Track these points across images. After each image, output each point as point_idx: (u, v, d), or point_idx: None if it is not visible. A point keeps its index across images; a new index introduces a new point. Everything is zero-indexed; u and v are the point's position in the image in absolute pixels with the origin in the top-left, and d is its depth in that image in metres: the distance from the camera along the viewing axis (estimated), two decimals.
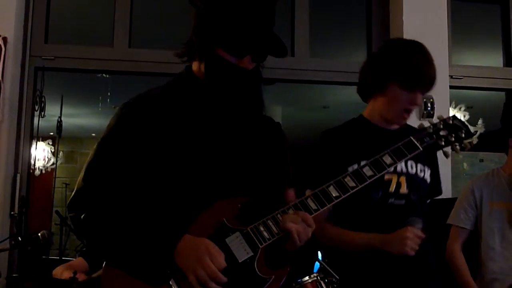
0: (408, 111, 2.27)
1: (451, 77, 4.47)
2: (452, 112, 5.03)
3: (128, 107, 1.62)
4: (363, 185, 1.66)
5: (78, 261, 3.13)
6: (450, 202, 3.27)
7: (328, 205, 1.61)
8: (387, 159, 1.72)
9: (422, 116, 4.20)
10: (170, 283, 1.45)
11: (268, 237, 1.53)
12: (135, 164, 1.54)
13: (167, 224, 1.50)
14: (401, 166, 2.29)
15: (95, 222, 1.52)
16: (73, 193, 1.58)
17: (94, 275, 2.84)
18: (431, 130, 1.84)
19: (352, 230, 2.23)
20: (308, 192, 2.31)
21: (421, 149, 1.77)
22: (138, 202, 1.53)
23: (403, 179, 2.27)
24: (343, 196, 1.63)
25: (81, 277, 2.84)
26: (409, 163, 2.31)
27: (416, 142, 1.77)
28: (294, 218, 1.53)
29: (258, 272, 1.49)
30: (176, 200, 1.53)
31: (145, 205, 1.53)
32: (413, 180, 2.31)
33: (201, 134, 1.59)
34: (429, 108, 4.19)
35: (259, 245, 1.52)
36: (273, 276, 1.48)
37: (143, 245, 1.47)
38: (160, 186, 1.53)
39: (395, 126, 2.40)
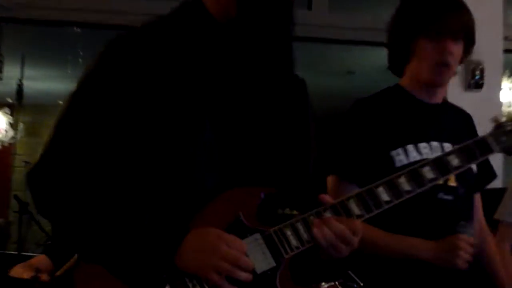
0: (443, 65, 2.31)
1: (506, 38, 4.45)
2: (506, 82, 4.97)
3: (112, 46, 1.51)
4: (420, 190, 1.63)
5: (41, 259, 3.15)
6: (499, 193, 3.25)
7: (375, 211, 1.55)
8: (454, 161, 1.69)
9: (468, 87, 4.20)
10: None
11: (296, 245, 1.49)
12: (122, 126, 1.46)
13: (165, 215, 1.45)
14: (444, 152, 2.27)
15: (67, 201, 1.45)
16: (38, 160, 1.50)
17: (59, 273, 2.84)
18: (509, 127, 1.81)
19: (387, 229, 2.24)
20: (332, 181, 2.30)
21: (496, 152, 1.76)
22: (125, 179, 1.47)
23: None
24: (395, 202, 1.60)
25: (43, 277, 2.87)
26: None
27: (490, 143, 1.75)
28: (333, 225, 1.48)
29: None
30: (176, 181, 1.47)
31: (135, 184, 1.47)
32: (462, 172, 2.30)
33: (211, 93, 1.51)
34: (477, 77, 4.20)
35: (284, 254, 1.47)
36: None
37: (132, 241, 1.42)
38: (155, 161, 1.45)
39: (437, 99, 2.43)
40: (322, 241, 1.45)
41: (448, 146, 2.30)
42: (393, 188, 1.59)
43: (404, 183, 1.60)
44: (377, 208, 1.56)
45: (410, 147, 2.25)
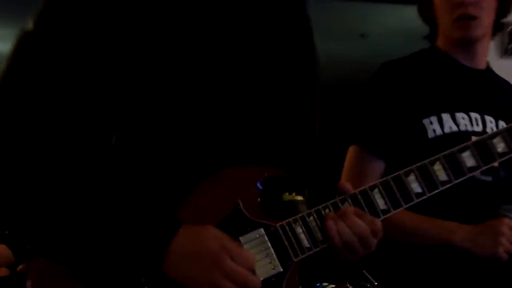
0: (465, 17, 2.23)
1: None
2: None
3: None
4: (458, 180, 1.51)
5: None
6: None
7: (404, 206, 1.45)
8: (499, 145, 1.58)
9: (505, 53, 4.11)
10: None
11: (308, 246, 1.36)
12: (90, 79, 1.29)
13: (143, 199, 1.29)
14: (491, 126, 2.24)
15: (17, 179, 1.26)
16: None
17: (21, 267, 2.77)
18: None
19: (415, 211, 2.11)
20: (353, 152, 2.21)
21: None
22: (95, 151, 1.30)
23: None
24: (428, 195, 1.48)
25: (2, 271, 2.77)
26: (500, 123, 2.27)
27: None
28: (352, 222, 1.36)
29: None
30: (159, 155, 1.31)
31: (103, 163, 1.31)
32: None
33: (205, 40, 1.37)
34: None
35: (293, 257, 1.34)
36: None
37: (101, 233, 1.24)
38: (132, 129, 1.31)
39: (480, 64, 2.33)
40: (336, 239, 1.35)
41: (490, 120, 2.24)
42: (426, 177, 1.48)
43: (439, 171, 1.49)
44: (406, 202, 1.45)
45: (445, 116, 2.17)
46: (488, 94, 2.30)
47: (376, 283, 2.73)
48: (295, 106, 1.48)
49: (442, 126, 2.15)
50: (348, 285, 2.71)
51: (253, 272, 1.26)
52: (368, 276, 2.56)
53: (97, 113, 1.30)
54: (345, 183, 1.43)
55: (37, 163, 1.27)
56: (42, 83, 1.29)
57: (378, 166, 2.18)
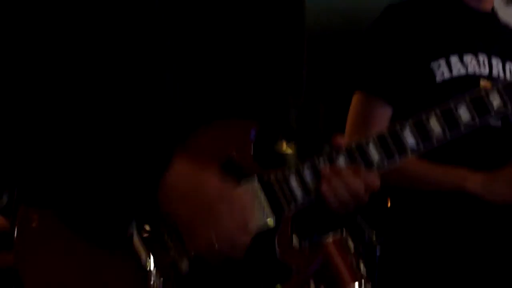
0: None
1: None
2: None
3: None
4: (452, 132, 1.48)
5: None
6: None
7: (398, 160, 1.42)
8: (495, 99, 1.53)
9: (510, 1, 4.02)
10: (134, 245, 1.27)
11: (301, 198, 1.36)
12: (76, 32, 1.31)
13: (138, 139, 1.29)
14: (498, 69, 2.22)
15: (5, 124, 1.28)
16: None
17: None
18: None
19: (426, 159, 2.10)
20: (358, 99, 2.18)
21: None
22: (79, 102, 1.30)
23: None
24: (422, 147, 1.45)
25: None
26: (508, 64, 2.25)
27: None
28: (346, 179, 1.34)
29: (279, 252, 1.34)
30: (147, 105, 1.32)
31: (94, 104, 1.31)
32: None
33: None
34: None
35: (286, 208, 1.35)
36: (301, 263, 1.34)
37: (95, 168, 1.25)
38: (119, 76, 1.32)
39: (487, 7, 2.31)
40: (331, 197, 1.34)
41: (497, 62, 2.22)
42: (420, 129, 1.44)
43: (434, 123, 1.46)
44: (400, 154, 1.41)
45: (453, 59, 2.14)
46: (495, 35, 2.27)
47: (374, 231, 2.72)
48: (281, 60, 1.48)
49: (450, 69, 2.11)
50: (344, 233, 2.68)
51: (246, 229, 1.27)
52: (366, 224, 2.53)
53: (88, 52, 1.31)
54: (339, 138, 1.40)
55: (27, 105, 1.28)
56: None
57: (386, 112, 2.15)
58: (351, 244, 2.67)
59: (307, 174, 1.36)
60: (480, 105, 1.51)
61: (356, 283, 2.72)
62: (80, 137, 1.26)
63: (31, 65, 1.30)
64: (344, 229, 2.74)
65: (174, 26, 1.36)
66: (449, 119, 1.47)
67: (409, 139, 1.42)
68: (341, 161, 1.37)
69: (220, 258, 1.26)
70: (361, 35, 2.26)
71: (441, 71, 2.12)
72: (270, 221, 1.34)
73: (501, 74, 2.22)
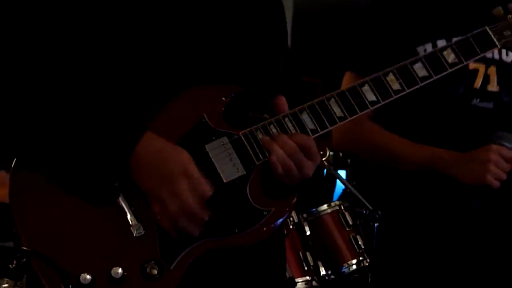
0: None
1: None
2: None
3: None
4: (411, 89, 1.57)
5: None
6: None
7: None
8: (450, 56, 1.63)
9: None
10: (119, 201, 1.39)
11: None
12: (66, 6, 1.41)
13: (116, 111, 1.42)
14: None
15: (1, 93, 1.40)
16: None
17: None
18: None
19: (411, 139, 2.14)
20: (348, 78, 2.20)
21: (499, 46, 1.74)
22: (70, 68, 1.42)
23: (493, 71, 2.18)
24: (382, 103, 1.55)
25: None
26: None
27: (492, 36, 1.72)
28: (283, 142, 1.44)
29: (252, 201, 1.43)
30: (130, 74, 1.44)
31: (81, 76, 1.43)
32: (508, 73, 2.21)
33: None
34: None
35: (256, 160, 1.45)
36: (273, 209, 1.44)
37: (77, 139, 1.38)
38: (105, 48, 1.43)
39: None
40: (274, 162, 1.44)
41: None
42: (380, 87, 1.55)
43: (392, 81, 1.56)
44: (361, 110, 1.52)
45: (440, 43, 2.13)
46: (483, 19, 2.27)
47: (371, 208, 2.70)
48: (261, 39, 1.58)
49: None
50: (342, 207, 2.66)
51: (203, 204, 1.37)
52: (364, 201, 2.52)
53: (68, 27, 1.42)
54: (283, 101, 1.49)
55: (19, 81, 1.40)
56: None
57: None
58: (349, 218, 2.67)
59: (273, 129, 1.46)
60: (433, 61, 1.61)
61: (355, 259, 2.72)
62: (65, 109, 1.38)
63: (21, 41, 1.40)
64: (341, 204, 2.74)
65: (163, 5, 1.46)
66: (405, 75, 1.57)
67: (368, 94, 1.53)
68: (303, 115, 1.48)
69: (171, 230, 1.37)
70: (356, 14, 2.27)
71: None
72: (241, 172, 1.43)
73: (496, 56, 2.24)
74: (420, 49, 2.08)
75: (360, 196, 2.82)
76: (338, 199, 2.81)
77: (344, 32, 2.32)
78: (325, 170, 2.83)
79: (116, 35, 1.42)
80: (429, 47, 2.09)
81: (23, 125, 1.39)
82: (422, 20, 2.16)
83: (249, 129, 1.45)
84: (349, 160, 3.15)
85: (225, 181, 1.43)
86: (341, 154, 3.38)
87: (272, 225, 1.43)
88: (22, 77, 1.40)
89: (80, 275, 1.34)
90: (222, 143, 1.44)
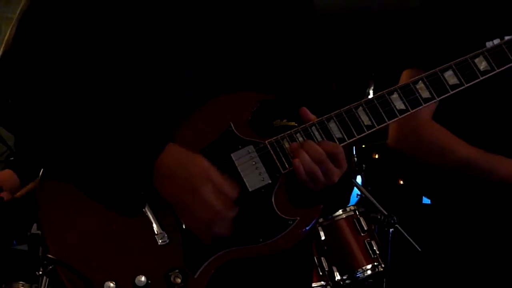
0: None
1: None
2: None
3: None
4: (443, 96, 1.52)
5: (5, 175, 3.03)
6: None
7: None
8: (482, 64, 1.59)
9: None
10: (145, 211, 1.39)
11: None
12: (97, 21, 1.44)
13: (142, 122, 1.43)
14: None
15: (32, 106, 1.43)
16: None
17: (18, 194, 2.76)
18: None
19: (469, 141, 2.05)
20: (409, 75, 2.16)
21: None
22: (99, 80, 1.45)
23: None
24: (411, 111, 1.50)
25: (7, 195, 2.78)
26: None
27: None
28: (310, 148, 1.43)
29: (277, 210, 1.42)
30: (157, 85, 1.44)
31: (110, 86, 1.45)
32: None
33: None
34: None
35: (281, 169, 1.43)
36: (298, 218, 1.42)
37: (104, 149, 1.40)
38: (134, 60, 1.44)
39: None
40: (299, 168, 1.42)
41: None
42: (409, 95, 1.51)
43: (423, 89, 1.50)
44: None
45: (508, 38, 2.08)
46: None
47: (386, 213, 2.70)
48: (291, 47, 1.56)
49: None
50: (357, 212, 2.66)
51: (230, 204, 1.36)
52: (379, 206, 2.52)
53: (109, 50, 1.44)
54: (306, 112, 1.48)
55: (58, 90, 1.43)
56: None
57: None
58: (364, 224, 2.67)
59: (300, 137, 1.45)
60: (464, 69, 1.56)
61: (369, 265, 2.72)
62: (91, 120, 1.41)
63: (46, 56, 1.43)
64: (356, 209, 2.74)
65: (197, 15, 1.46)
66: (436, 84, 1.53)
67: (397, 102, 1.49)
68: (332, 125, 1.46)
69: (207, 236, 1.37)
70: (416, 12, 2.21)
71: None
72: (267, 180, 1.42)
73: None
74: (489, 44, 1.99)
75: (375, 202, 2.84)
76: (353, 204, 2.81)
77: (357, 37, 2.28)
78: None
79: (144, 45, 1.44)
80: (497, 42, 2.06)
81: (51, 135, 1.42)
82: (491, 14, 2.10)
83: (275, 137, 1.44)
84: (364, 165, 3.14)
85: (250, 189, 1.42)
86: (355, 159, 3.38)
87: (297, 235, 1.42)
88: (49, 89, 1.43)
89: (104, 283, 1.34)
90: (248, 152, 1.44)
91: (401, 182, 2.78)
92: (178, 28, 1.46)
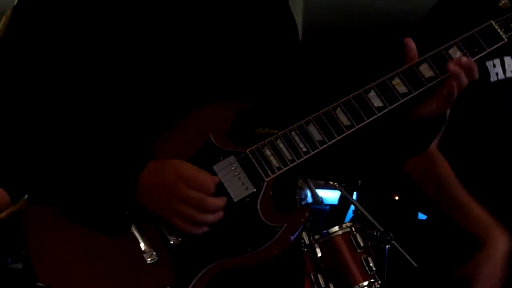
0: None
1: None
2: None
3: None
4: (418, 91, 1.54)
5: None
6: None
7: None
8: (456, 53, 1.60)
9: None
10: (131, 230, 1.40)
11: (278, 165, 1.45)
12: (68, 49, 1.46)
13: (122, 139, 1.43)
14: None
15: (8, 131, 1.44)
16: None
17: (4, 214, 2.74)
18: None
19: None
20: None
21: (506, 39, 1.67)
22: (76, 108, 1.46)
23: None
24: (389, 108, 1.51)
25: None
26: None
27: (498, 29, 1.67)
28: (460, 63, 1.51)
29: (263, 218, 1.42)
30: (136, 103, 1.45)
31: (88, 113, 1.46)
32: None
33: (178, 10, 1.52)
34: None
35: (265, 177, 1.44)
36: (285, 224, 1.42)
37: (86, 172, 1.40)
38: (112, 84, 1.45)
39: None
40: (456, 69, 1.48)
41: None
42: (386, 91, 1.51)
43: (399, 85, 1.51)
44: (368, 117, 1.51)
45: (507, 59, 2.08)
46: None
47: (382, 230, 2.70)
48: (270, 58, 1.56)
49: (504, 70, 2.07)
50: (353, 229, 2.66)
51: (211, 193, 1.37)
52: (375, 223, 2.51)
53: (86, 75, 1.45)
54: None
55: (35, 116, 1.45)
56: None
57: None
58: (360, 240, 2.67)
59: (281, 143, 1.45)
60: (438, 60, 1.56)
61: (366, 281, 2.71)
62: (72, 143, 1.42)
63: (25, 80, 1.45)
64: (353, 226, 2.73)
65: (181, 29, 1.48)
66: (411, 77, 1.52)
67: (374, 100, 1.51)
68: (311, 128, 1.47)
69: (201, 228, 1.37)
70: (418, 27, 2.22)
71: (496, 71, 2.07)
72: (251, 189, 1.42)
73: None
74: (489, 64, 2.04)
75: (371, 218, 2.83)
76: (349, 221, 2.80)
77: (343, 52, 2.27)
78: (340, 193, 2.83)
79: (121, 59, 1.45)
80: (497, 62, 2.05)
81: (33, 159, 1.42)
82: None
83: (256, 146, 1.45)
84: (359, 182, 3.13)
85: (235, 200, 1.42)
86: None
87: (285, 241, 1.42)
88: (27, 113, 1.44)
89: None
90: (229, 163, 1.44)
91: (397, 198, 2.79)
92: (170, 64, 1.47)
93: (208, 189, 1.37)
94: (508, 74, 2.03)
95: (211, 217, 1.37)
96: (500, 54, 2.02)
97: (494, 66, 2.06)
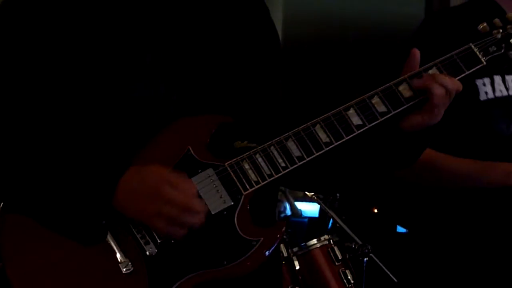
0: None
1: None
2: None
3: None
4: (396, 111, 1.54)
5: None
6: None
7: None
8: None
9: None
10: (107, 239, 1.40)
11: (256, 180, 1.46)
12: (53, 54, 1.45)
13: (100, 148, 1.44)
14: None
15: None
16: None
17: None
18: (499, 36, 1.72)
19: None
20: None
21: (484, 63, 1.70)
22: (52, 116, 1.46)
23: None
24: (368, 126, 1.52)
25: None
26: None
27: (477, 52, 1.68)
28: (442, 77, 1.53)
29: (240, 232, 1.43)
30: (113, 114, 1.46)
31: (64, 121, 1.46)
32: None
33: (156, 18, 1.52)
34: None
35: (243, 190, 1.44)
36: (262, 239, 1.43)
37: (63, 179, 1.41)
38: (87, 91, 1.45)
39: None
40: (437, 89, 1.50)
41: None
42: (365, 110, 1.53)
43: (378, 104, 1.52)
44: (347, 134, 1.51)
45: (497, 78, 2.10)
46: None
47: (360, 243, 2.70)
48: (251, 71, 1.57)
49: (493, 89, 2.09)
50: (331, 242, 2.65)
51: (195, 196, 1.39)
52: (353, 236, 2.52)
53: (61, 83, 1.45)
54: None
55: (10, 125, 1.45)
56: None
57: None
58: (338, 253, 2.67)
59: (259, 158, 1.46)
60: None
61: None
62: (48, 151, 1.42)
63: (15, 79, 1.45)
64: (331, 238, 2.73)
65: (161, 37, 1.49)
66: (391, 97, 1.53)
67: (354, 118, 1.51)
68: (290, 143, 1.47)
69: (183, 231, 1.38)
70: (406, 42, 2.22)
71: (485, 90, 2.09)
72: (228, 202, 1.43)
73: None
74: (479, 82, 2.06)
75: (349, 231, 2.83)
76: (328, 233, 2.80)
77: (326, 64, 2.26)
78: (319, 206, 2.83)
79: (101, 68, 1.45)
80: (487, 81, 2.08)
81: (7, 168, 1.42)
82: None
83: (235, 159, 1.45)
84: (338, 194, 3.14)
85: (213, 212, 1.42)
86: None
87: (261, 255, 1.42)
88: (4, 121, 1.44)
89: None
90: (208, 175, 1.44)
91: (376, 211, 2.79)
92: (135, 54, 1.47)
93: (192, 191, 1.38)
94: (498, 94, 2.05)
95: (195, 219, 1.37)
96: (490, 73, 2.03)
97: (484, 84, 2.08)
